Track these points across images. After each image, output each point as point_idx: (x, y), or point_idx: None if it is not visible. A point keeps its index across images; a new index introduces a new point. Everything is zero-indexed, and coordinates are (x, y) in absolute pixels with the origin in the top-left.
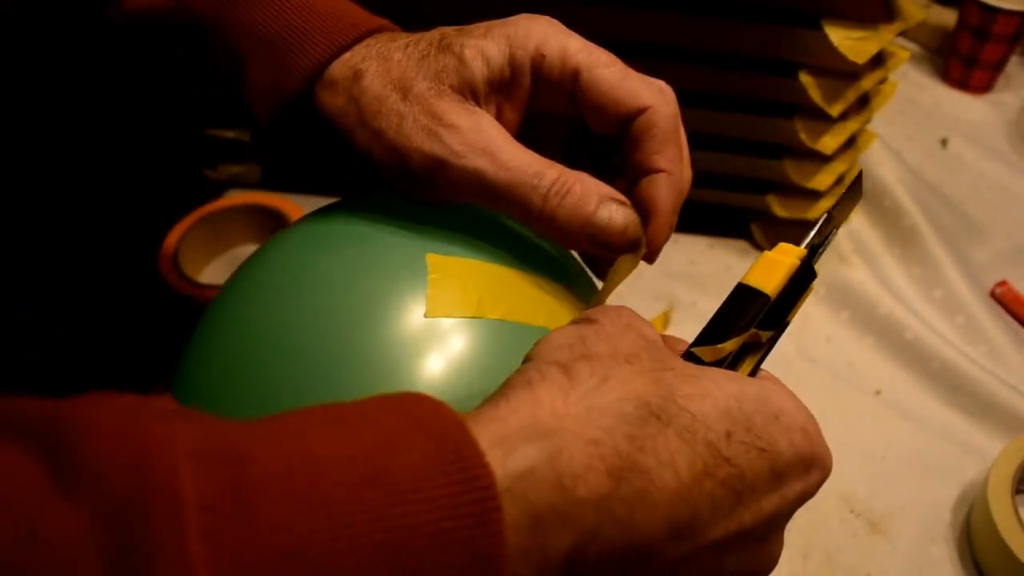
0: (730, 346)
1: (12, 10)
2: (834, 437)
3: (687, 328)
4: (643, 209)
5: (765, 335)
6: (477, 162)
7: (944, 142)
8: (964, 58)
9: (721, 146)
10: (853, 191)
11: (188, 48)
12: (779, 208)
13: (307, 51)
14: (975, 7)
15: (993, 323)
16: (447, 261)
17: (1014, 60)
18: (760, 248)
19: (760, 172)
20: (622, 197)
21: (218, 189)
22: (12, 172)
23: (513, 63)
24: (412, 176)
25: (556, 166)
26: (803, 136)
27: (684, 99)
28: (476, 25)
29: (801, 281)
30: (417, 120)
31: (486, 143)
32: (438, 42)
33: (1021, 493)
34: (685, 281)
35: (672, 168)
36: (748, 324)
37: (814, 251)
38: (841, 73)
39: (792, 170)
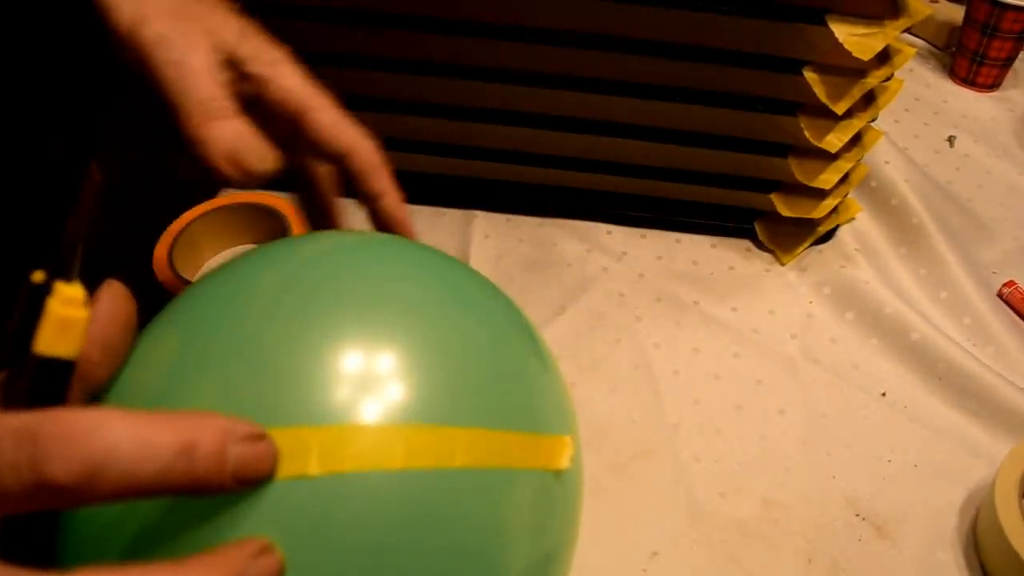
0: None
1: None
2: (839, 439)
3: (691, 330)
4: (389, 216)
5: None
6: (161, 27)
7: (951, 140)
8: (971, 55)
9: (724, 144)
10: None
11: None
12: (783, 207)
13: None
14: (983, 3)
15: (1000, 324)
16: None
17: (1022, 56)
18: (763, 248)
19: (764, 170)
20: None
21: (213, 188)
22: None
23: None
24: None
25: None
26: (807, 134)
27: (687, 96)
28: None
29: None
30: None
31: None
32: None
33: None
34: (687, 281)
35: (389, 188)
36: None
37: (54, 274)
38: (846, 70)
39: (796, 168)
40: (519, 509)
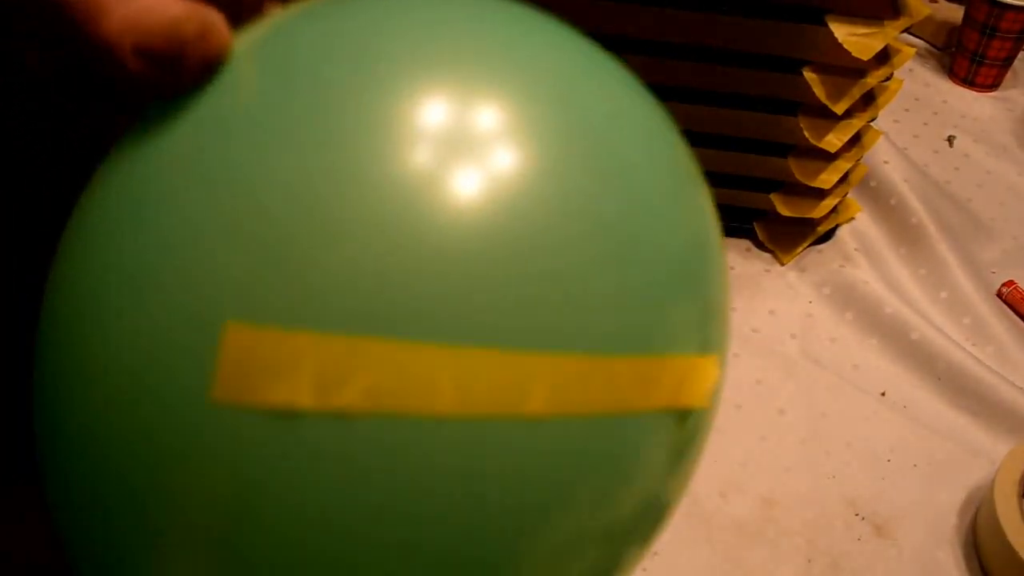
0: None
1: None
2: (839, 439)
3: None
4: None
5: None
6: None
7: (951, 140)
8: (971, 55)
9: (724, 144)
10: None
11: None
12: (783, 207)
13: None
14: (982, 3)
15: (1000, 323)
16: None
17: (1022, 56)
18: (763, 248)
19: (763, 170)
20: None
21: None
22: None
23: None
24: None
25: None
26: (807, 134)
27: (687, 96)
28: None
29: None
30: None
31: None
32: None
33: None
34: None
35: None
36: None
37: None
38: (846, 70)
39: (796, 168)
40: (607, 480)
